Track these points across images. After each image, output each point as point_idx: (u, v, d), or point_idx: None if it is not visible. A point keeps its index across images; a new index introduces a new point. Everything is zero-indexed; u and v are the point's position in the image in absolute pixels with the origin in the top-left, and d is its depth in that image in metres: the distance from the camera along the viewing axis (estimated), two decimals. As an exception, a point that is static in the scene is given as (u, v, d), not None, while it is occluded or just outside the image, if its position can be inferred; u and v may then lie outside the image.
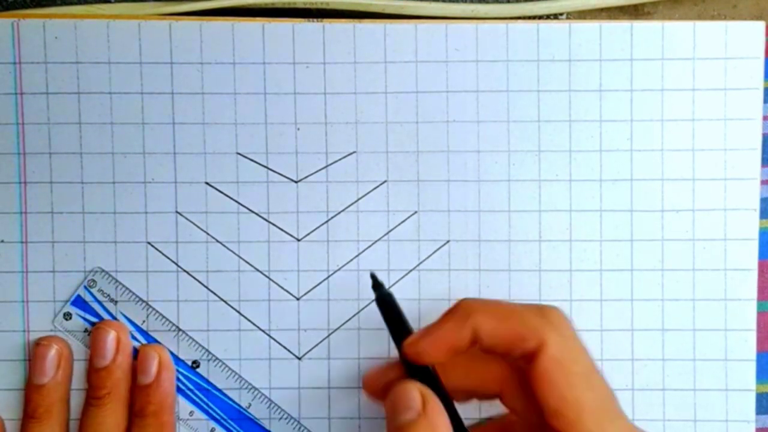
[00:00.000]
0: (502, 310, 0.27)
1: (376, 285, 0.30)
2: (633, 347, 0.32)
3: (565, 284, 0.32)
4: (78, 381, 0.32)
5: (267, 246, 0.32)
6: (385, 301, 0.29)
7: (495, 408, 0.31)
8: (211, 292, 0.32)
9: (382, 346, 0.32)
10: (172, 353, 0.32)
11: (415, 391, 0.26)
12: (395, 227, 0.32)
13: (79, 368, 0.32)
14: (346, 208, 0.32)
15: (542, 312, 0.27)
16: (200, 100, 0.32)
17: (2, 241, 0.32)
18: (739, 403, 0.32)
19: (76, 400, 0.32)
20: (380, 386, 0.29)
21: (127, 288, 0.32)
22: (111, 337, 0.31)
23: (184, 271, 0.32)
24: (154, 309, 0.32)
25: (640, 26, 0.32)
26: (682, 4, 0.34)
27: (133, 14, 0.32)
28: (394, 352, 0.32)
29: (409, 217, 0.32)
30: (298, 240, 0.32)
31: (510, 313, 0.27)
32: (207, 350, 0.32)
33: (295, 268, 0.32)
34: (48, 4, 0.33)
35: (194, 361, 0.32)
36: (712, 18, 0.34)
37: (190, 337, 0.32)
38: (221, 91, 0.32)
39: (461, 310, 0.27)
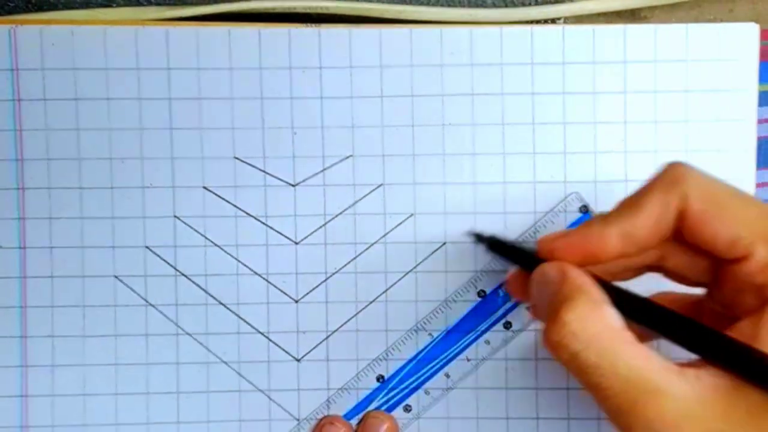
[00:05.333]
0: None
1: (480, 238, 0.30)
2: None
3: (561, 285, 0.33)
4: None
5: (265, 249, 0.32)
6: (494, 243, 0.29)
7: (492, 408, 0.31)
8: (210, 295, 0.32)
9: (380, 347, 0.33)
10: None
11: (550, 267, 0.25)
12: (392, 230, 0.33)
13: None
14: (343, 211, 0.33)
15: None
16: (197, 106, 0.32)
17: (0, 247, 0.32)
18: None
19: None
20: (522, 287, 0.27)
21: (128, 287, 0.32)
22: None
23: (183, 275, 0.32)
24: (154, 309, 0.32)
25: (633, 29, 0.32)
26: (679, 8, 0.34)
27: (134, 19, 0.32)
28: (393, 353, 0.33)
29: (405, 220, 0.33)
30: (296, 243, 0.33)
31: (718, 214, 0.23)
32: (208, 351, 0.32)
33: (293, 270, 0.33)
34: (49, 8, 0.33)
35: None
36: (709, 22, 0.34)
37: (194, 339, 0.32)
38: (218, 96, 0.32)
39: (594, 230, 0.25)
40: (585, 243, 0.25)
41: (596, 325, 0.23)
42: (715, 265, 0.25)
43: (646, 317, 0.24)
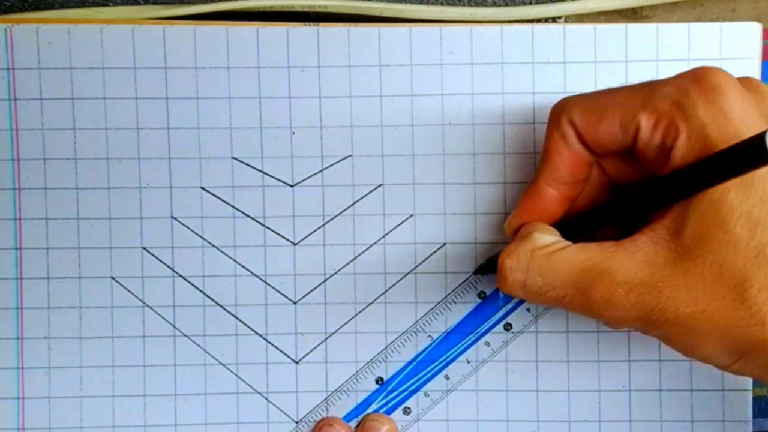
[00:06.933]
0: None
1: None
2: (630, 348, 0.32)
3: (562, 286, 0.32)
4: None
5: (263, 250, 0.32)
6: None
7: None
8: (208, 297, 0.32)
9: (380, 349, 0.32)
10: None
11: None
12: (391, 230, 0.32)
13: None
14: (342, 211, 0.32)
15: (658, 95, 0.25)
16: (195, 105, 0.32)
17: (-4, 248, 0.32)
18: (736, 404, 0.32)
19: (73, 407, 0.32)
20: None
21: (125, 288, 0.32)
22: None
23: (180, 276, 0.32)
24: (151, 311, 0.32)
25: (635, 28, 0.32)
26: (681, 7, 0.34)
27: (130, 18, 0.32)
28: (392, 355, 0.32)
29: (405, 220, 0.32)
30: (295, 244, 0.32)
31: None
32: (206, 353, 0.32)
33: (292, 272, 0.32)
34: (45, 7, 0.33)
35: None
36: (711, 21, 0.34)
37: (192, 341, 0.32)
38: (216, 95, 0.32)
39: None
40: (532, 205, 0.28)
41: (526, 253, 0.25)
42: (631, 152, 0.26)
43: (589, 224, 0.27)
